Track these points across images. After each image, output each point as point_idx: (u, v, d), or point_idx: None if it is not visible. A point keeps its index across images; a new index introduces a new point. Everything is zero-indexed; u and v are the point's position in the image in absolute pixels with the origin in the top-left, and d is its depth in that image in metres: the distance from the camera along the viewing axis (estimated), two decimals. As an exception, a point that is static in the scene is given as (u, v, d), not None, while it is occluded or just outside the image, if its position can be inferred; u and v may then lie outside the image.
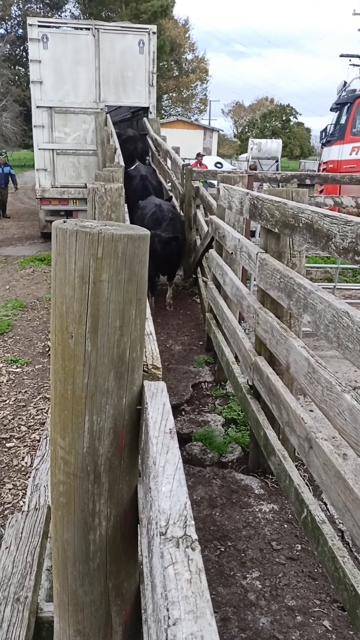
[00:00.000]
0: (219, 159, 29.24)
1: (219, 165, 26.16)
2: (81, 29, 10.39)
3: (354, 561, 2.09)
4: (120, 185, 2.73)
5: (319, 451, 2.13)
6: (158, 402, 1.19)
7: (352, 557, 2.12)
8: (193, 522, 0.83)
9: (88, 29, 10.25)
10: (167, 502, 0.87)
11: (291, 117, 54.16)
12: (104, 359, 1.18)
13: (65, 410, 1.23)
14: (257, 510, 3.11)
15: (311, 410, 3.56)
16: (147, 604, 1.22)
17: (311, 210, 2.15)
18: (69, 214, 10.83)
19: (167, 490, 0.90)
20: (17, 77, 33.52)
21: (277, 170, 26.20)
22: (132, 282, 1.17)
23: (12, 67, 33.98)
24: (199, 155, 16.44)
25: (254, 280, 3.62)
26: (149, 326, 1.66)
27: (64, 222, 1.19)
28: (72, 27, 10.77)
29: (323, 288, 2.22)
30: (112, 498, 1.27)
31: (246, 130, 54.42)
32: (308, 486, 2.58)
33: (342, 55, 21.36)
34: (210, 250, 5.02)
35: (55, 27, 10.63)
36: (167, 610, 0.70)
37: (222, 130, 47.54)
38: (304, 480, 2.64)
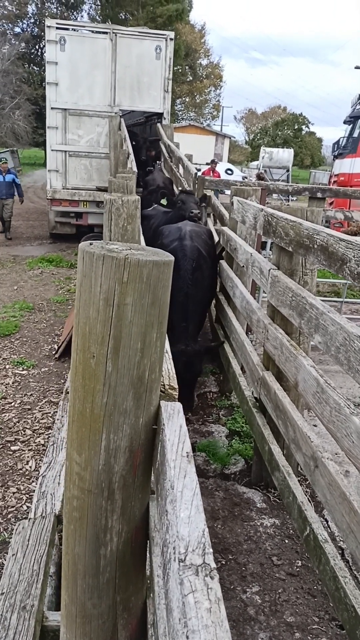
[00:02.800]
0: (230, 166, 29.40)
1: (229, 171, 26.30)
2: (99, 32, 10.46)
3: (355, 582, 2.11)
4: (137, 197, 2.77)
5: (325, 471, 2.15)
6: (175, 424, 1.21)
7: (353, 578, 2.13)
8: (211, 550, 0.86)
9: (106, 32, 10.32)
10: (186, 529, 0.89)
11: (303, 126, 54.28)
12: (123, 379, 1.21)
13: (83, 428, 1.25)
14: (258, 524, 3.12)
15: (315, 425, 3.58)
16: (156, 621, 1.25)
17: (327, 232, 2.18)
18: (79, 215, 10.88)
19: (186, 516, 0.92)
20: (30, 76, 33.65)
21: (288, 179, 26.25)
22: (155, 306, 1.20)
23: (26, 65, 34.12)
24: (212, 162, 16.46)
25: (264, 292, 3.64)
26: (165, 345, 1.68)
27: (90, 244, 1.22)
28: (90, 31, 10.84)
29: (330, 302, 2.24)
30: (125, 515, 1.29)
31: (257, 137, 54.53)
32: (310, 503, 2.60)
33: (357, 67, 21.40)
34: (220, 261, 5.04)
35: (73, 29, 10.72)
36: (187, 637, 0.72)
37: (234, 137, 47.62)
38: (307, 496, 2.66)
